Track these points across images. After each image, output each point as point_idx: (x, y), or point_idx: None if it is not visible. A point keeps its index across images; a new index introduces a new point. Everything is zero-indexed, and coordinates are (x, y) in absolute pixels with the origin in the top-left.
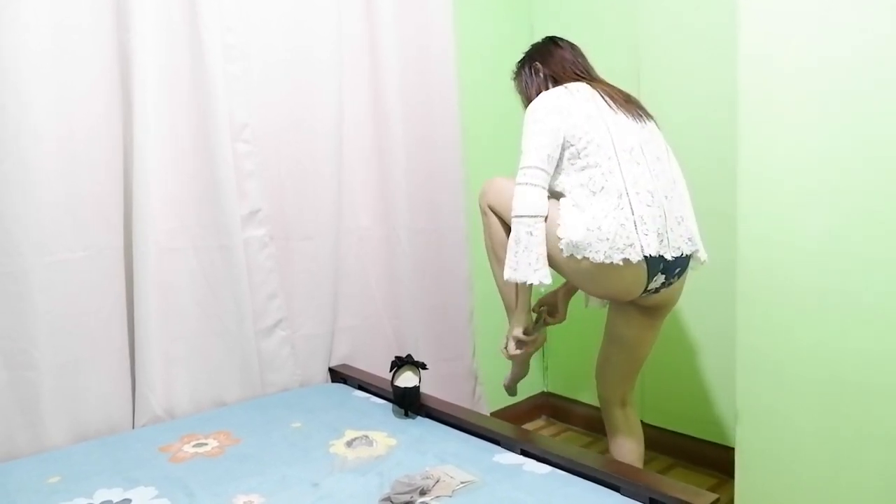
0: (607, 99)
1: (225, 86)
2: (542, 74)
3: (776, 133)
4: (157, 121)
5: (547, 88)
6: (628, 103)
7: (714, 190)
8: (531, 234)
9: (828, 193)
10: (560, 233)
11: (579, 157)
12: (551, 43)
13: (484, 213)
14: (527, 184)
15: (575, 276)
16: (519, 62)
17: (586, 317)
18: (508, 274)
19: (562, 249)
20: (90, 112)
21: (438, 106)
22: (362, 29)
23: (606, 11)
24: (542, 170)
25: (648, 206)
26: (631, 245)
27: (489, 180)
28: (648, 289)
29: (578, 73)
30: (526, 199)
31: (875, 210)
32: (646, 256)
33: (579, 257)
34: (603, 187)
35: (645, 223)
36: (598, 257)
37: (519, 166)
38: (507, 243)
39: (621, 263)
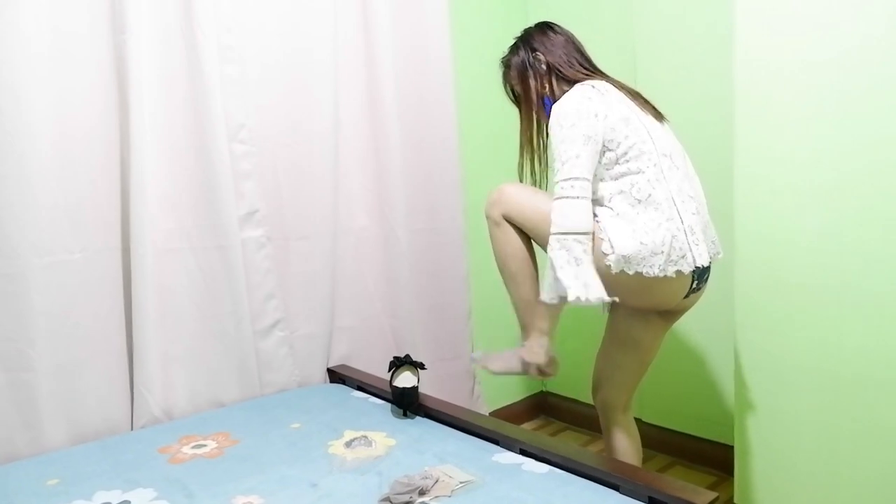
0: (633, 100)
1: (221, 87)
2: (544, 66)
3: (773, 132)
4: (154, 122)
5: (550, 82)
6: (646, 103)
7: (711, 189)
8: (586, 251)
9: (825, 192)
10: (606, 248)
11: (618, 163)
12: (548, 29)
13: (496, 224)
14: (578, 197)
15: (619, 290)
16: (512, 48)
17: (584, 316)
18: (578, 292)
19: (609, 265)
20: (87, 114)
21: (435, 106)
22: (359, 30)
23: (603, 11)
24: (589, 181)
25: (694, 214)
26: (683, 256)
27: (499, 189)
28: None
29: (586, 69)
30: (579, 216)
31: (872, 208)
32: (696, 267)
33: (631, 272)
34: (650, 195)
35: (694, 233)
36: (653, 271)
37: (560, 177)
38: (523, 257)
39: (674, 276)
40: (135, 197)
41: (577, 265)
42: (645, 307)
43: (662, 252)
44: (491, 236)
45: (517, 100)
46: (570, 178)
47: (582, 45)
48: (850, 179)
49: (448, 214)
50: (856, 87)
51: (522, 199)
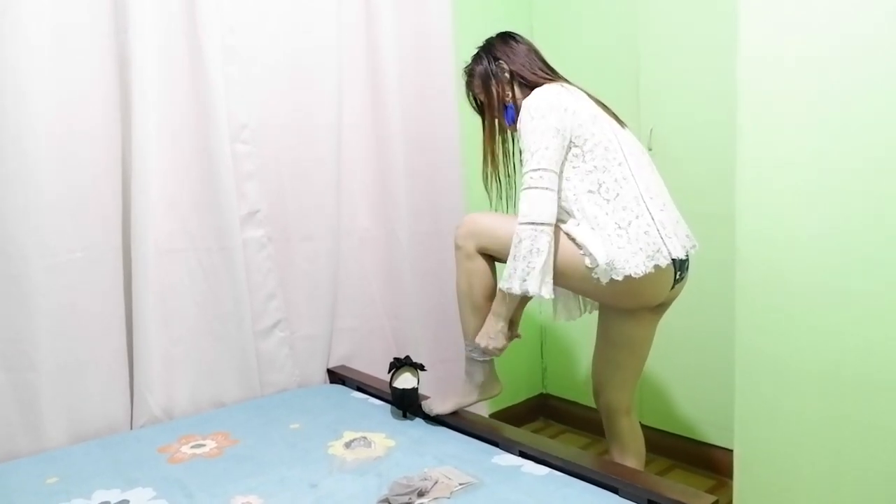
0: (597, 102)
1: (224, 86)
2: (507, 74)
3: (775, 132)
4: (157, 122)
5: (513, 90)
6: (608, 109)
7: (713, 189)
8: (550, 243)
9: (827, 192)
10: (590, 262)
11: (584, 161)
12: (510, 39)
13: (468, 257)
14: (546, 188)
15: (609, 296)
16: (475, 57)
17: (584, 318)
18: (533, 285)
19: (597, 277)
20: (91, 114)
21: (437, 106)
22: (361, 30)
23: (606, 11)
24: (556, 173)
25: (661, 210)
26: (658, 251)
27: (470, 220)
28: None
29: (546, 73)
30: (547, 206)
31: (874, 208)
32: (673, 259)
33: (620, 278)
34: (618, 194)
35: (665, 227)
36: (639, 270)
37: (529, 167)
38: (489, 289)
39: (654, 271)
40: (137, 197)
41: (539, 256)
42: (638, 307)
43: (641, 250)
44: (458, 266)
45: (480, 108)
46: (539, 169)
47: (542, 55)
48: (852, 180)
49: (449, 215)
50: (858, 87)
51: (497, 229)
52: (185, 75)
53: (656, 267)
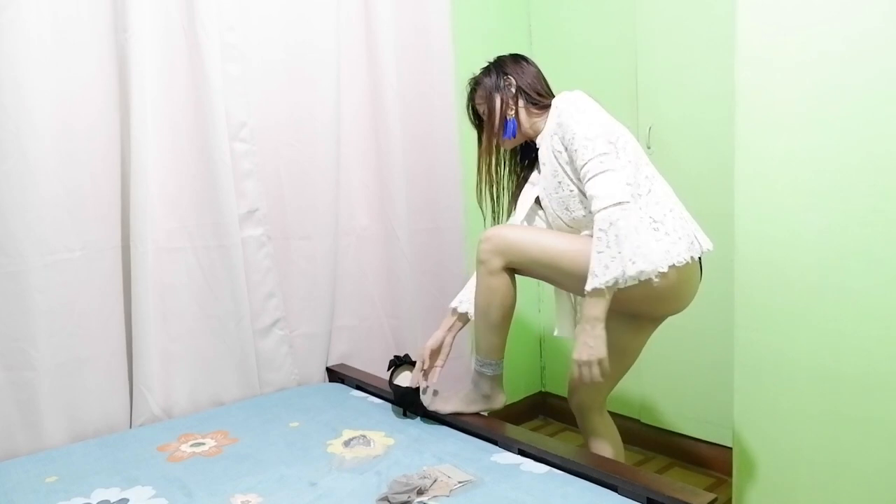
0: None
1: (223, 85)
2: (514, 90)
3: (773, 131)
4: (156, 120)
5: (517, 106)
6: None
7: (712, 188)
8: (640, 219)
9: (825, 190)
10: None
11: (618, 157)
12: (521, 59)
13: (491, 273)
14: (616, 170)
15: (652, 299)
16: (484, 70)
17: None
18: (635, 269)
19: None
20: (90, 112)
21: (436, 105)
22: (360, 29)
23: (604, 10)
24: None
25: (683, 207)
26: (692, 242)
27: (497, 234)
28: None
29: (548, 98)
30: (624, 186)
31: (872, 206)
32: (703, 251)
33: (665, 269)
34: (650, 190)
35: (693, 220)
36: (682, 258)
37: (596, 152)
38: (509, 308)
39: (691, 261)
40: (136, 195)
41: (639, 233)
42: (674, 309)
43: (680, 239)
44: (479, 281)
45: (478, 122)
46: (606, 153)
47: (546, 80)
48: (851, 178)
49: (448, 214)
50: (856, 85)
51: (527, 243)
52: (184, 73)
53: (691, 258)
